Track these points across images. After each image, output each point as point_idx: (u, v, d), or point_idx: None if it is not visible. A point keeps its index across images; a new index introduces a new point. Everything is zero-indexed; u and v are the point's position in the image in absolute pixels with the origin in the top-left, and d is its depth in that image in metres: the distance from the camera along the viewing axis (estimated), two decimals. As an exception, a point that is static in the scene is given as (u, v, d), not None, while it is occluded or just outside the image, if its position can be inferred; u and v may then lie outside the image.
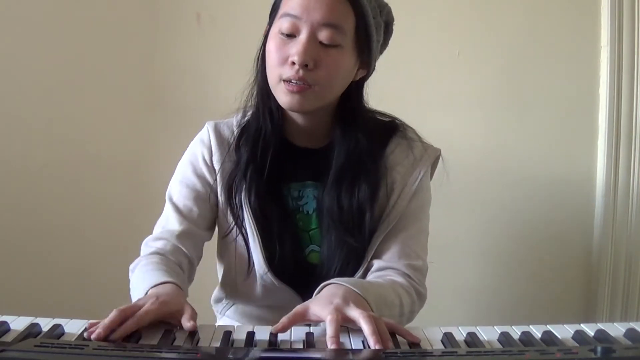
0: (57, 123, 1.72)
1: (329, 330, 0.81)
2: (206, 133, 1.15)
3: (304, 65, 0.99)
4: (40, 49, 1.69)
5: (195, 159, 1.14)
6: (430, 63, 1.73)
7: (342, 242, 1.07)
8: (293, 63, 1.00)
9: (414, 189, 1.11)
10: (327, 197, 1.09)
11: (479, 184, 1.76)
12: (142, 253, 1.11)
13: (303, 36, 1.00)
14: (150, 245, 1.11)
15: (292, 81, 1.01)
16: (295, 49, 1.00)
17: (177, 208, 1.12)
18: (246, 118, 1.14)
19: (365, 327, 0.81)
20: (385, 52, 1.14)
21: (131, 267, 1.09)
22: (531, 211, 1.77)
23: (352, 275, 1.07)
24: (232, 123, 1.15)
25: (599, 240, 1.75)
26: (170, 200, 1.14)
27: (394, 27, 1.14)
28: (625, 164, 1.72)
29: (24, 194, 1.73)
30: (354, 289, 0.91)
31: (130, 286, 1.04)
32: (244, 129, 1.13)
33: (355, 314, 0.84)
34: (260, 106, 1.10)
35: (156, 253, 1.08)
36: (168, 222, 1.12)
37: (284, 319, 0.86)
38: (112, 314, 0.82)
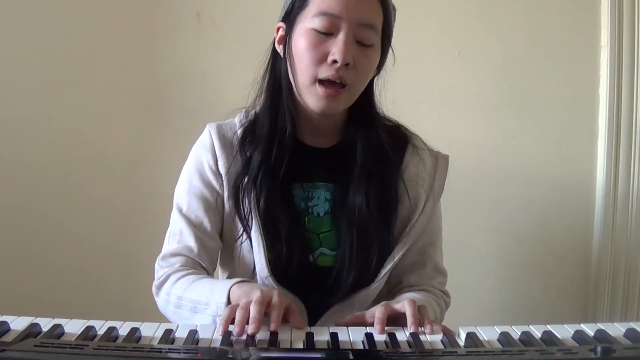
0: (57, 123, 1.72)
1: (377, 313, 0.89)
2: (208, 137, 1.11)
3: (345, 65, 0.98)
4: (40, 48, 1.69)
5: (201, 167, 1.10)
6: (430, 63, 1.73)
7: (364, 245, 1.06)
8: (334, 62, 0.98)
9: (437, 201, 1.13)
10: (355, 195, 1.06)
11: (479, 184, 1.76)
12: (160, 268, 1.09)
13: (343, 35, 0.98)
14: (170, 261, 1.09)
15: (331, 81, 0.99)
16: (337, 47, 0.98)
17: (189, 220, 1.09)
18: (249, 118, 1.12)
19: (408, 310, 0.88)
20: (390, 54, 1.14)
21: (156, 283, 1.08)
22: (531, 211, 1.77)
23: (371, 279, 1.06)
24: (235, 124, 1.12)
25: (599, 240, 1.75)
26: (180, 211, 1.10)
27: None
28: (625, 164, 1.72)
29: (24, 194, 1.73)
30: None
31: (173, 297, 1.03)
32: (249, 129, 1.10)
33: (401, 302, 0.91)
34: (281, 107, 1.07)
35: (184, 268, 1.07)
36: (183, 237, 1.09)
37: (348, 318, 0.94)
38: (255, 309, 0.83)
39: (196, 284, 1.01)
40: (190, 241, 1.08)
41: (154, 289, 1.09)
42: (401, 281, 1.12)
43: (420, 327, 0.88)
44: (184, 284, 1.03)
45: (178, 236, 1.10)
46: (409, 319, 0.87)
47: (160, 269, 1.09)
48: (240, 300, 0.88)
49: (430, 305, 1.05)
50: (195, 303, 0.98)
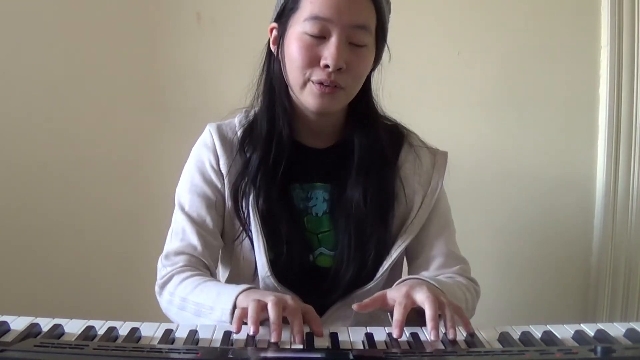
0: (57, 123, 1.72)
1: (395, 314, 0.84)
2: (209, 136, 1.11)
3: (338, 69, 0.98)
4: (40, 49, 1.69)
5: (203, 165, 1.10)
6: (430, 63, 1.73)
7: (361, 242, 1.06)
8: (326, 66, 0.98)
9: (436, 198, 1.12)
10: (352, 191, 1.06)
11: (478, 184, 1.76)
12: (163, 267, 1.08)
13: (335, 39, 0.98)
14: (173, 260, 1.07)
15: (324, 84, 0.99)
16: (329, 52, 0.97)
17: (191, 219, 1.09)
18: (249, 119, 1.12)
19: (427, 311, 0.84)
20: (386, 51, 1.14)
21: (159, 283, 1.07)
22: (531, 211, 1.77)
23: (369, 276, 1.06)
24: (234, 124, 1.13)
25: (599, 240, 1.75)
26: (182, 209, 1.10)
27: (393, 28, 1.13)
28: (625, 164, 1.72)
29: (24, 194, 1.73)
30: (431, 282, 0.94)
31: (176, 299, 1.02)
32: (248, 131, 1.11)
33: (422, 296, 0.86)
34: (277, 108, 1.07)
35: (188, 268, 1.06)
36: (186, 235, 1.08)
37: (366, 300, 0.89)
38: (275, 312, 0.82)
39: (202, 287, 1.00)
40: (193, 239, 1.08)
41: (156, 288, 1.08)
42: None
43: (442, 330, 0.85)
44: (189, 285, 1.02)
45: (181, 234, 1.09)
46: (429, 324, 0.83)
47: (163, 268, 1.08)
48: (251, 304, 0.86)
49: (460, 290, 1.03)
50: (200, 307, 0.97)
